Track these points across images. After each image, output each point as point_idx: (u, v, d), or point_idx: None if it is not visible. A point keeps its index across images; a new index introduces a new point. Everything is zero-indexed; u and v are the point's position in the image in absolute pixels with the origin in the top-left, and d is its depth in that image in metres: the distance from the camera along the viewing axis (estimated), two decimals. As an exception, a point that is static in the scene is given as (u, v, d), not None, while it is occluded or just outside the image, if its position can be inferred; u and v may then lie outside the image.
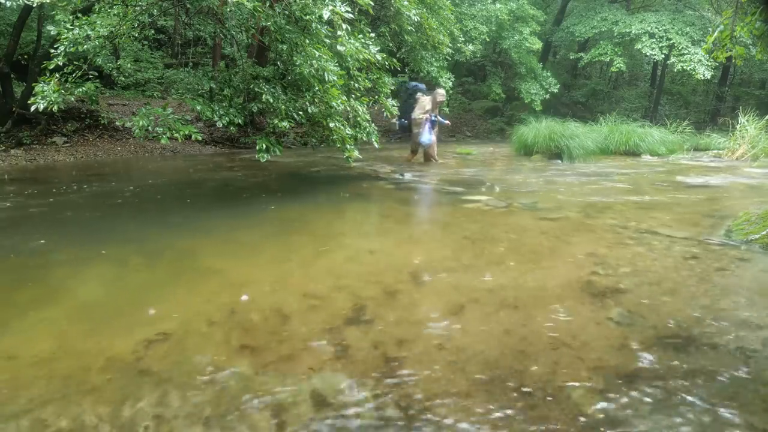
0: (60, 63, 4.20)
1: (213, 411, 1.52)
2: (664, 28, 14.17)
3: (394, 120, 8.40)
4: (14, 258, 3.08)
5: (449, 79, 11.20)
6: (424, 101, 7.67)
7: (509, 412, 1.51)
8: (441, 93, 7.76)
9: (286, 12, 4.73)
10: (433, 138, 7.70)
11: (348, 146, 5.18)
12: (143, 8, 4.76)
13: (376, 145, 5.75)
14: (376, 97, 6.21)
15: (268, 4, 4.70)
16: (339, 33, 4.41)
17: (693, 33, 13.99)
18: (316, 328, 2.07)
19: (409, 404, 1.55)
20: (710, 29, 10.62)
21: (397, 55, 8.57)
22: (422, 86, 8.32)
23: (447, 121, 8.85)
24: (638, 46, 14.35)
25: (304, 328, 2.07)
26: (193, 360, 1.82)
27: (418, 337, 2.00)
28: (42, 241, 3.40)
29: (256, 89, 4.99)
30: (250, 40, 7.11)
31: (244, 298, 2.38)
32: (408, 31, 7.88)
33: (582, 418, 1.48)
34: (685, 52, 13.73)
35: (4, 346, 1.93)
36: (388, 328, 2.07)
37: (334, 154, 7.53)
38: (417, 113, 7.63)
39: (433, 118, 7.59)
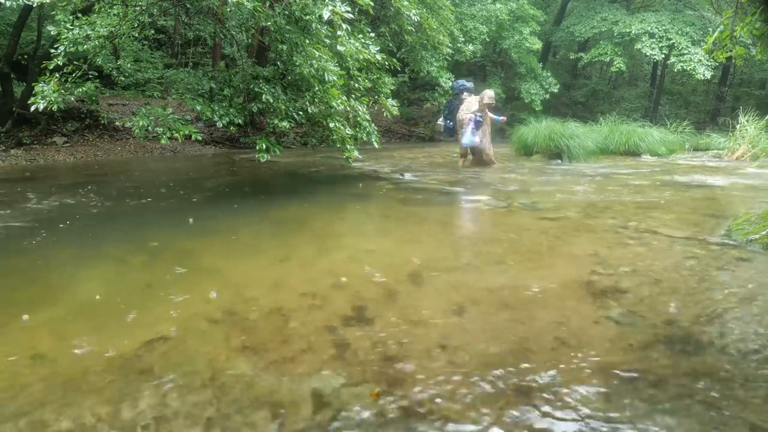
0: (60, 63, 4.20)
1: (213, 411, 1.52)
2: (664, 28, 14.18)
3: (439, 122, 8.25)
4: (14, 258, 3.07)
5: (449, 79, 11.21)
6: (471, 102, 7.36)
7: (509, 411, 1.51)
8: (489, 94, 7.19)
9: (286, 12, 4.73)
10: (477, 139, 7.18)
11: (348, 146, 5.18)
12: (143, 8, 4.76)
13: (376, 145, 5.75)
14: (376, 97, 6.21)
15: (268, 4, 4.70)
16: (339, 33, 4.41)
17: (693, 33, 14.00)
18: (316, 327, 2.07)
19: (409, 404, 1.55)
20: (710, 29, 10.63)
21: (397, 55, 8.57)
22: (470, 86, 7.83)
23: (502, 118, 7.88)
24: (638, 46, 14.35)
25: (304, 328, 2.07)
26: (193, 360, 1.82)
27: (418, 336, 2.00)
28: (41, 241, 3.40)
29: (256, 89, 4.99)
30: (250, 40, 7.10)
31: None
32: (408, 31, 7.87)
33: (582, 418, 1.48)
34: (685, 52, 13.74)
35: (4, 346, 1.93)
36: (388, 327, 2.07)
37: (334, 154, 7.53)
38: (461, 114, 7.32)
39: (478, 117, 7.12)
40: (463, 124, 7.28)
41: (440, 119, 8.07)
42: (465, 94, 7.59)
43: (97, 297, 2.46)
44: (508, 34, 13.99)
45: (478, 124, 7.14)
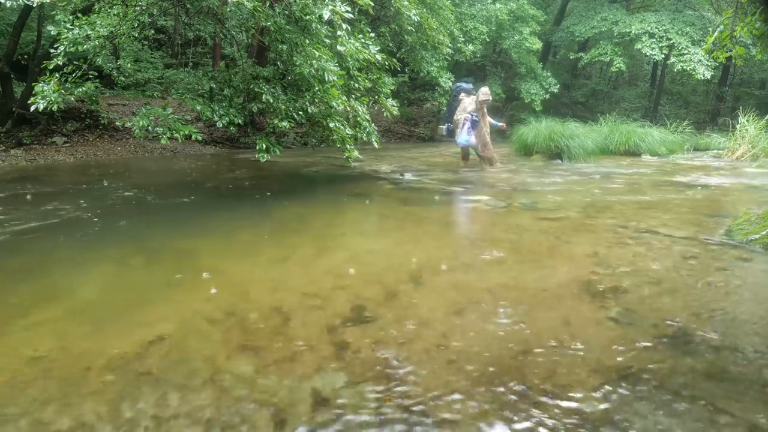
0: (60, 63, 4.20)
1: (213, 411, 1.52)
2: (664, 28, 14.18)
3: (441, 126, 8.24)
4: (14, 258, 3.07)
5: (449, 79, 11.21)
6: (468, 102, 7.29)
7: (509, 412, 1.51)
8: (484, 92, 7.08)
9: (286, 12, 4.73)
10: (472, 139, 7.10)
11: (348, 146, 5.18)
12: (143, 8, 4.76)
13: (376, 145, 5.75)
14: (376, 97, 6.21)
15: (268, 4, 4.70)
16: (339, 33, 4.42)
17: (693, 33, 13.99)
18: (316, 328, 2.07)
19: (409, 404, 1.55)
20: (710, 29, 10.62)
21: (397, 55, 8.58)
22: (467, 86, 7.72)
23: (501, 124, 7.91)
24: (638, 46, 14.35)
25: (304, 328, 2.07)
26: (193, 360, 1.81)
27: (418, 336, 2.00)
28: (42, 241, 3.40)
29: (256, 89, 4.99)
30: (250, 40, 7.10)
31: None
32: (408, 31, 7.87)
33: (582, 418, 1.48)
34: (685, 52, 13.73)
35: (4, 346, 1.93)
36: (388, 327, 2.07)
37: (334, 154, 7.53)
38: (458, 115, 7.27)
39: (474, 117, 7.05)
40: (459, 125, 7.27)
41: (444, 123, 8.05)
42: (462, 94, 7.58)
43: (98, 296, 2.46)
44: (508, 34, 13.98)
45: (474, 124, 7.08)
